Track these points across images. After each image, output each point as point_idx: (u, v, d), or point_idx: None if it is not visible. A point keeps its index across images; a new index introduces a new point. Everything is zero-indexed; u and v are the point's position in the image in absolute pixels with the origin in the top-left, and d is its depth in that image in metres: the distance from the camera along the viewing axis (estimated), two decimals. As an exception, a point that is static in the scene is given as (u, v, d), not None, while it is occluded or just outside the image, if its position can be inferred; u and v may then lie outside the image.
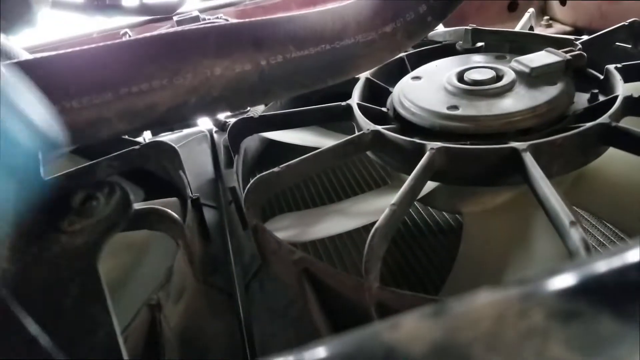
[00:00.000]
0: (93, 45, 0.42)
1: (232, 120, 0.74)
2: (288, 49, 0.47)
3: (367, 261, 0.42)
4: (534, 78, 0.59)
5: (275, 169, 0.52)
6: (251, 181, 0.52)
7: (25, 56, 0.51)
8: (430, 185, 0.56)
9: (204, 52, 0.43)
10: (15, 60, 0.36)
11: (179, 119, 0.44)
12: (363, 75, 0.69)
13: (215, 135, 0.88)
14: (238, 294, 0.57)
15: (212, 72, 0.43)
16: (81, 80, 0.40)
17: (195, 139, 0.88)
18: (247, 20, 0.47)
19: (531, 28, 0.93)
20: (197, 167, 0.81)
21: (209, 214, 0.68)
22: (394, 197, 0.46)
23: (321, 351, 0.14)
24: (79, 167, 0.55)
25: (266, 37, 0.46)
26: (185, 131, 0.91)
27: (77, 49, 0.42)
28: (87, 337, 0.20)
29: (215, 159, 0.82)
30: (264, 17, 0.48)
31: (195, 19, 0.89)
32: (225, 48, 0.44)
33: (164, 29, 0.91)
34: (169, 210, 0.49)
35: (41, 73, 0.39)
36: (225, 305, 0.55)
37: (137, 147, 0.61)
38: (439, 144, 0.51)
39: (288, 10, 1.04)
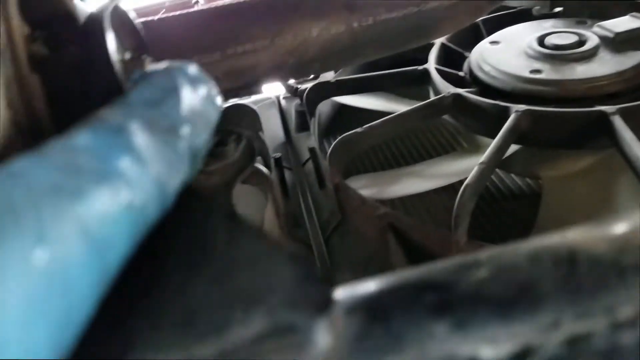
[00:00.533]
0: (200, 9, 0.45)
1: (304, 86, 0.76)
2: (378, 11, 0.48)
3: (457, 216, 0.44)
4: (618, 43, 0.58)
5: (358, 129, 0.55)
6: (335, 141, 0.55)
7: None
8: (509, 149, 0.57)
9: (302, 14, 0.45)
10: (138, 21, 0.39)
11: (277, 78, 0.47)
12: (438, 41, 0.69)
13: (282, 101, 0.91)
14: (316, 248, 0.60)
15: (309, 34, 0.45)
16: (192, 41, 0.43)
17: (264, 105, 0.91)
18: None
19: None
20: (267, 131, 0.84)
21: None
22: (476, 163, 0.48)
23: (516, 249, 0.16)
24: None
25: (359, -1, 0.47)
26: (254, 97, 0.94)
27: (186, 11, 0.45)
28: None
29: (285, 125, 0.85)
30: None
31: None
32: (321, 10, 0.46)
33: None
34: (261, 166, 0.52)
35: (155, 34, 0.42)
36: (308, 257, 0.58)
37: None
38: (524, 107, 0.52)
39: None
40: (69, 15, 0.33)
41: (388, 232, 0.50)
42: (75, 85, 0.27)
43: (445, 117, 0.62)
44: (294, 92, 0.81)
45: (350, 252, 0.56)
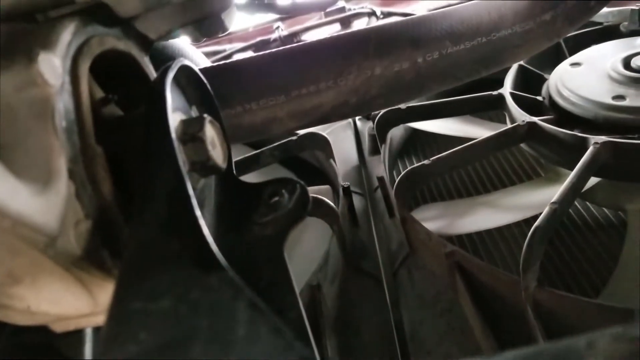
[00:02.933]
0: (267, 52, 0.46)
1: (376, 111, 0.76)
2: (444, 45, 0.47)
3: (526, 260, 0.42)
4: None
5: (426, 162, 0.54)
6: (402, 173, 0.54)
7: (206, 63, 0.57)
8: (591, 179, 0.53)
9: (365, 53, 0.45)
10: (203, 67, 0.42)
11: (340, 117, 0.47)
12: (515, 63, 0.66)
13: (358, 123, 0.91)
14: (385, 281, 0.59)
15: (372, 72, 0.45)
16: (259, 85, 0.44)
17: (340, 127, 0.92)
18: (403, 19, 0.48)
19: None
20: (341, 153, 0.85)
21: (354, 200, 0.71)
22: (555, 195, 0.45)
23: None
24: (246, 155, 0.61)
25: (423, 34, 0.46)
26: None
27: (254, 55, 0.47)
28: (279, 317, 0.22)
29: (359, 147, 0.85)
30: (419, 15, 0.49)
31: (342, 9, 0.92)
32: (385, 48, 0.45)
33: (314, 20, 0.95)
34: (326, 199, 0.53)
35: (226, 78, 0.45)
36: (374, 289, 0.58)
37: (294, 137, 0.66)
38: (604, 138, 0.48)
39: (432, -6, 1.03)
40: (140, 76, 0.36)
41: (455, 271, 0.48)
42: (136, 145, 0.30)
43: (522, 144, 0.59)
44: (367, 116, 0.81)
45: (418, 287, 0.55)
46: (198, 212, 0.23)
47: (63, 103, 0.25)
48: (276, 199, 0.35)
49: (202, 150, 0.31)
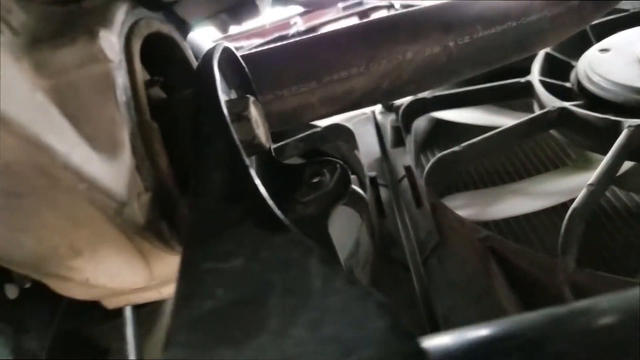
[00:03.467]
0: (298, 39, 0.47)
1: (400, 102, 0.76)
2: (475, 29, 0.47)
3: (565, 242, 0.42)
4: None
5: (456, 148, 0.54)
6: (432, 160, 0.54)
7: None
8: (624, 165, 0.53)
9: (396, 38, 0.45)
10: (241, 54, 0.42)
11: (371, 102, 0.48)
12: (542, 50, 0.66)
13: (378, 117, 0.91)
14: (414, 269, 0.59)
15: (403, 57, 0.45)
16: (291, 71, 0.45)
17: (360, 121, 0.92)
18: (434, 4, 0.48)
19: None
20: (362, 147, 0.85)
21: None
22: (585, 181, 0.45)
23: (606, 304, 0.15)
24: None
25: (454, 19, 0.47)
26: (350, 113, 0.96)
27: (285, 42, 0.47)
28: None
29: (381, 140, 0.85)
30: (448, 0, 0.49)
31: (359, 3, 0.93)
32: (416, 33, 0.46)
33: (331, 14, 0.96)
34: (356, 187, 0.53)
35: (258, 66, 0.45)
36: (404, 278, 0.58)
37: (318, 129, 0.66)
38: (638, 121, 0.48)
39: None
40: (182, 60, 0.36)
41: (489, 256, 0.48)
42: (186, 123, 0.30)
43: (551, 130, 0.59)
44: (389, 108, 0.82)
45: (449, 275, 0.55)
46: (257, 180, 0.24)
47: (122, 79, 0.25)
48: (317, 178, 0.35)
49: (247, 129, 0.32)
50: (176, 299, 0.20)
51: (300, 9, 1.03)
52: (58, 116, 0.20)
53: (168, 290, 0.36)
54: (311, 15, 1.01)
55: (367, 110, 0.96)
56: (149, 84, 0.32)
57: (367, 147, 0.86)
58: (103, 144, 0.23)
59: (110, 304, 0.35)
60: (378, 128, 0.90)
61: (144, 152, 0.26)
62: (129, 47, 0.27)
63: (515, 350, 0.15)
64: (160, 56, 0.35)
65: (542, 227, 0.54)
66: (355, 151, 0.69)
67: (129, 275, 0.29)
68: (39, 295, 0.31)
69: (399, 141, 0.78)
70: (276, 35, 0.98)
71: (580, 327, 0.15)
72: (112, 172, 0.22)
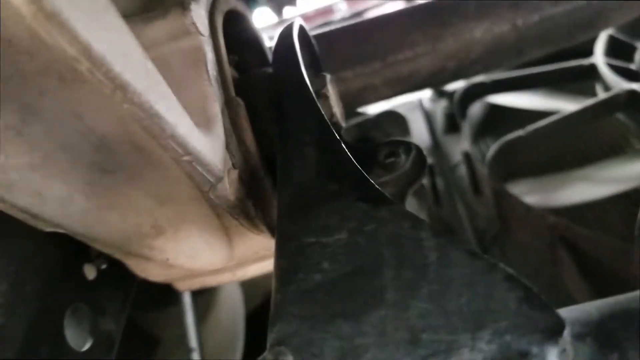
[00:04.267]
0: (362, 19, 0.46)
1: (452, 87, 0.75)
2: (544, 7, 0.45)
3: (643, 225, 0.40)
4: None
5: (521, 132, 0.52)
6: (496, 144, 0.52)
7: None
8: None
9: (464, 16, 0.44)
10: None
11: (436, 83, 0.47)
12: (603, 32, 0.63)
13: (427, 104, 0.90)
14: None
15: (471, 35, 0.44)
16: (355, 51, 0.44)
17: (408, 108, 0.91)
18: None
19: None
20: (411, 134, 0.84)
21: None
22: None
23: None
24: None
25: (523, -4, 0.45)
26: (398, 100, 0.94)
27: (348, 23, 0.46)
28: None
29: (430, 127, 0.84)
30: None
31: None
32: (484, 11, 0.44)
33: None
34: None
35: (323, 47, 0.44)
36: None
37: (372, 116, 0.65)
38: None
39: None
40: (254, 39, 0.36)
41: (559, 244, 0.47)
42: (266, 101, 0.30)
43: (617, 115, 0.56)
44: (440, 94, 0.80)
45: (513, 263, 0.53)
46: (349, 155, 0.23)
47: (210, 53, 0.25)
48: (392, 159, 0.34)
49: (327, 107, 0.31)
50: (279, 273, 0.20)
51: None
52: (166, 87, 0.20)
53: (243, 273, 0.36)
54: (353, 2, 1.00)
55: (414, 97, 0.95)
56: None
57: (416, 134, 0.84)
58: (197, 119, 0.22)
59: (184, 286, 0.35)
60: (427, 115, 0.88)
61: (231, 128, 0.26)
62: (213, 21, 0.27)
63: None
64: (233, 36, 0.34)
65: (613, 214, 0.51)
66: (407, 138, 0.68)
67: (209, 255, 0.29)
68: (115, 277, 0.31)
69: (450, 128, 0.76)
70: (321, 22, 0.97)
71: None
72: (210, 146, 0.22)
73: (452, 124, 0.73)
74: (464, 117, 0.67)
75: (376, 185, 0.21)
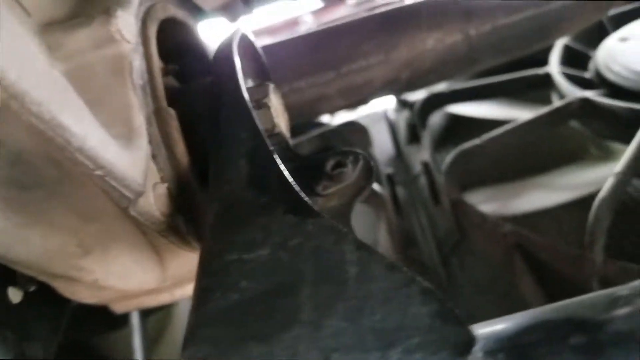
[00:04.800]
0: (315, 29, 0.46)
1: (414, 98, 0.75)
2: (497, 16, 0.46)
3: (592, 233, 0.40)
4: None
5: (477, 141, 0.52)
6: (452, 153, 0.53)
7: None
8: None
9: (416, 26, 0.44)
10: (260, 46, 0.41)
11: (391, 93, 0.46)
12: (559, 41, 0.64)
13: (390, 114, 0.90)
14: (434, 268, 0.58)
15: (424, 45, 0.44)
16: (308, 61, 0.44)
17: (372, 119, 0.91)
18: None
19: None
20: (375, 145, 0.84)
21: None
22: (613, 168, 0.43)
23: None
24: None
25: (475, 6, 0.45)
26: (362, 111, 0.94)
27: (301, 33, 0.46)
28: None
29: (394, 137, 0.84)
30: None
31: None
32: (437, 21, 0.44)
33: (342, 11, 0.94)
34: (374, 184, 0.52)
35: (273, 56, 0.44)
36: (424, 278, 0.56)
37: (333, 127, 0.65)
38: (663, 109, 0.46)
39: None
40: (196, 48, 0.35)
41: (514, 251, 0.47)
42: (205, 113, 0.29)
43: (572, 122, 0.57)
44: (403, 104, 0.80)
45: (471, 273, 0.53)
46: (282, 166, 0.23)
47: (138, 62, 0.24)
48: (340, 170, 0.34)
49: (267, 117, 0.30)
50: (197, 293, 0.19)
51: (309, 6, 1.02)
52: (75, 97, 0.19)
53: (181, 293, 0.35)
54: (321, 12, 1.00)
55: (379, 108, 0.95)
56: (163, 73, 0.31)
57: (380, 145, 0.84)
58: (119, 130, 0.22)
59: (119, 308, 0.34)
60: (391, 126, 0.89)
61: (161, 139, 0.25)
62: (145, 30, 0.26)
63: (574, 331, 0.14)
64: (174, 44, 0.33)
65: (567, 221, 0.52)
66: (369, 149, 0.67)
67: (140, 275, 0.28)
68: (44, 300, 0.30)
69: (413, 138, 0.77)
70: (286, 34, 0.96)
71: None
72: (128, 159, 0.21)
73: (414, 134, 0.73)
74: (425, 127, 0.67)
75: (305, 198, 0.21)
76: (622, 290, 0.15)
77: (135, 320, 0.47)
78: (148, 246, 0.26)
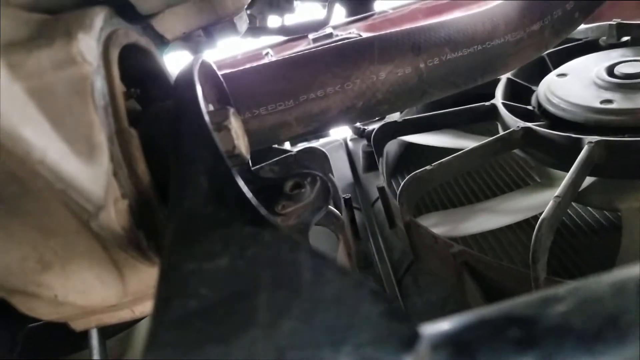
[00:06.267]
0: (274, 60, 0.48)
1: (371, 127, 0.78)
2: (444, 52, 0.49)
3: (535, 251, 0.43)
4: (691, 70, 0.56)
5: (428, 167, 0.55)
6: (405, 178, 0.55)
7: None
8: (584, 182, 0.55)
9: (370, 59, 0.46)
10: (221, 73, 0.43)
11: (347, 121, 0.48)
12: (504, 76, 0.69)
13: (350, 144, 0.93)
14: (389, 289, 0.59)
15: (377, 77, 0.46)
16: (268, 90, 0.45)
17: (332, 147, 0.93)
18: (404, 28, 0.50)
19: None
20: (335, 172, 0.86)
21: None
22: (550, 197, 0.47)
23: (599, 281, 0.16)
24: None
25: (424, 41, 0.48)
26: (322, 140, 0.97)
27: (261, 62, 0.48)
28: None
29: (352, 165, 0.86)
30: (420, 24, 0.51)
31: (329, 35, 0.95)
32: (388, 54, 0.47)
33: (302, 46, 0.98)
34: (332, 208, 0.53)
35: (234, 84, 0.45)
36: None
37: (293, 153, 0.66)
38: (597, 138, 0.50)
39: (414, 21, 1.07)
40: (159, 74, 0.36)
41: (464, 271, 0.49)
42: (166, 134, 0.30)
43: (516, 151, 0.61)
44: (360, 134, 0.83)
45: (425, 292, 0.55)
46: (241, 182, 0.24)
47: (99, 83, 0.25)
48: (298, 191, 0.35)
49: (228, 139, 0.32)
50: (157, 301, 0.19)
51: (272, 41, 1.05)
52: (36, 112, 0.20)
53: (142, 309, 0.35)
54: (282, 47, 1.03)
55: (339, 137, 0.98)
56: (126, 96, 0.32)
57: (340, 172, 0.87)
58: (80, 146, 0.22)
59: (79, 325, 0.34)
60: (350, 154, 0.91)
61: (122, 158, 0.26)
62: (107, 54, 0.27)
63: (511, 326, 0.15)
64: (137, 69, 0.34)
65: (509, 242, 0.55)
66: (329, 174, 0.69)
67: (101, 291, 0.28)
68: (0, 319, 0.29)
69: (370, 166, 0.79)
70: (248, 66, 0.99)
71: (576, 302, 0.16)
72: (89, 174, 0.22)
73: (371, 162, 0.76)
74: (381, 154, 0.70)
75: (262, 212, 0.22)
76: (557, 290, 0.17)
77: (94, 341, 0.46)
78: (109, 261, 0.26)
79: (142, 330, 0.55)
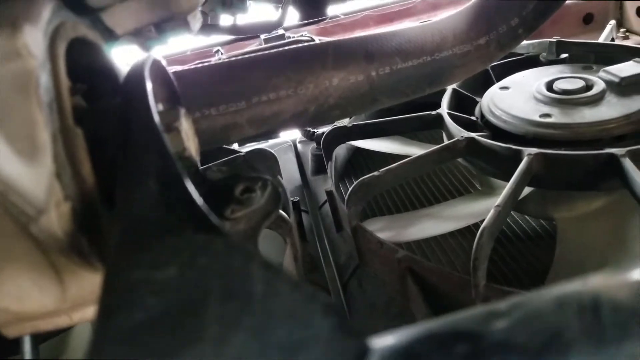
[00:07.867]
0: (227, 60, 0.47)
1: (320, 130, 0.78)
2: (395, 61, 0.50)
3: (476, 259, 0.44)
4: (624, 87, 0.60)
5: (376, 173, 0.56)
6: (354, 183, 0.56)
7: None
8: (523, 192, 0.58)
9: (324, 64, 0.47)
10: (172, 71, 0.42)
11: (298, 125, 0.48)
12: (449, 87, 0.71)
13: (299, 146, 0.93)
14: (333, 292, 0.60)
15: (330, 83, 0.47)
16: (220, 90, 0.45)
17: (281, 149, 0.93)
18: (358, 35, 0.51)
19: (612, 40, 0.92)
20: (284, 174, 0.86)
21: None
22: (491, 205, 0.49)
23: (540, 296, 0.17)
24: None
25: (376, 50, 0.49)
26: (271, 142, 0.96)
27: (214, 62, 0.47)
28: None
29: (301, 167, 0.87)
30: (372, 33, 0.52)
31: (281, 37, 0.95)
32: (342, 60, 0.47)
33: (253, 46, 0.97)
34: (281, 211, 0.53)
35: (185, 82, 0.44)
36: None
37: (242, 154, 0.66)
38: (536, 150, 0.53)
39: (366, 27, 1.08)
40: (107, 69, 0.35)
41: (407, 275, 0.50)
42: (113, 134, 0.29)
43: (459, 159, 0.63)
44: (310, 137, 0.83)
45: (369, 296, 0.56)
46: (191, 187, 0.23)
47: (45, 79, 0.24)
48: (248, 195, 0.35)
49: (178, 141, 0.31)
50: (100, 313, 0.19)
51: (223, 39, 1.03)
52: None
53: (80, 316, 0.33)
54: (232, 46, 1.02)
55: (288, 138, 0.97)
56: (71, 91, 0.31)
57: (288, 174, 0.87)
58: (21, 146, 0.21)
59: (12, 332, 0.32)
60: (299, 157, 0.91)
61: (66, 158, 0.24)
62: (53, 47, 0.26)
63: (458, 341, 0.16)
64: (84, 65, 0.33)
65: (451, 248, 0.57)
66: (278, 176, 0.69)
67: (38, 297, 0.26)
68: None
69: (319, 169, 0.80)
70: (197, 63, 0.97)
71: (520, 317, 0.16)
72: (31, 175, 0.21)
73: (320, 165, 0.77)
74: (330, 158, 0.70)
75: (214, 219, 0.22)
76: (500, 305, 0.17)
77: (27, 346, 0.43)
78: (48, 266, 0.25)
79: (76, 335, 0.52)
